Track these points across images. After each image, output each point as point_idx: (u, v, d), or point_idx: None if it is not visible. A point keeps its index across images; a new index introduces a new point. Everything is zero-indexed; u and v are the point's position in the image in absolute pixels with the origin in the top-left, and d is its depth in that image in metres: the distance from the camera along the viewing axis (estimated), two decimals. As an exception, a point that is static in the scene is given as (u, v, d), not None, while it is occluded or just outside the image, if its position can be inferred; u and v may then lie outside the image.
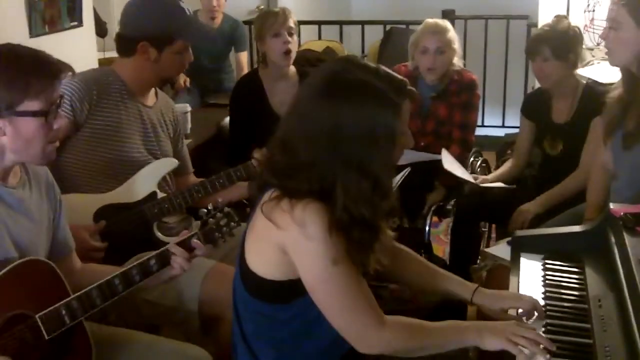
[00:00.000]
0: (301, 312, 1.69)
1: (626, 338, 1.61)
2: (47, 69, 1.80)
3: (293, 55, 3.47)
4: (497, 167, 4.17)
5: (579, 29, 3.25)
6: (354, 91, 1.60)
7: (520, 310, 1.84)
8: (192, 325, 2.38)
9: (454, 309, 2.64)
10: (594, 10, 4.27)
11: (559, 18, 3.26)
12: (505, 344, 1.63)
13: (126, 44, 2.60)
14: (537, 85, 4.95)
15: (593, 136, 3.08)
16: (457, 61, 3.57)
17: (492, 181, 3.39)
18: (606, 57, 3.90)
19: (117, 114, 2.56)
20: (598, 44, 4.10)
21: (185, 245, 2.02)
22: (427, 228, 3.42)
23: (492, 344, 1.65)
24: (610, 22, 2.47)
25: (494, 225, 3.89)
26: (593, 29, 4.17)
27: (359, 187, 1.58)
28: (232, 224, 2.13)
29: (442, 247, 4.14)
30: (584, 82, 3.29)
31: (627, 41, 2.42)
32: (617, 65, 2.54)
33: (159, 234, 2.54)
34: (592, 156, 2.97)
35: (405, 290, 2.86)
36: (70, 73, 1.84)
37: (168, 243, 2.49)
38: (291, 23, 3.48)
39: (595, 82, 3.61)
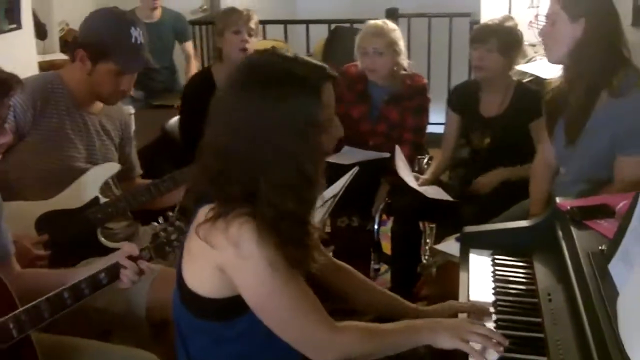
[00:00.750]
0: (248, 329, 1.64)
1: (577, 331, 1.61)
2: None
3: (248, 54, 3.46)
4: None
5: (521, 32, 3.32)
6: (271, 80, 1.55)
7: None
8: (141, 330, 2.34)
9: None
10: (538, 7, 4.32)
11: (506, 17, 3.36)
12: (457, 343, 1.62)
13: (71, 47, 2.58)
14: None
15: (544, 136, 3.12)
16: (404, 62, 3.57)
17: (430, 180, 3.42)
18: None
19: (61, 123, 2.49)
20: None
21: (135, 259, 1.96)
22: (376, 227, 3.42)
23: (445, 343, 1.64)
24: (547, 17, 2.50)
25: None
26: (537, 24, 4.22)
27: (283, 178, 1.53)
28: (182, 237, 2.08)
29: (389, 244, 4.14)
30: (515, 79, 3.36)
31: (562, 36, 2.44)
32: (554, 62, 2.56)
33: (103, 240, 2.49)
34: None
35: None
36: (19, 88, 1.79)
37: (114, 249, 2.47)
38: (252, 24, 3.53)
39: (537, 78, 3.66)
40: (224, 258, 1.54)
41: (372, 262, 3.47)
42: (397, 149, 3.32)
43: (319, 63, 1.62)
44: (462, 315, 1.82)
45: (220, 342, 1.67)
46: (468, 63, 6.06)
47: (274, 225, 1.53)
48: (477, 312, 1.81)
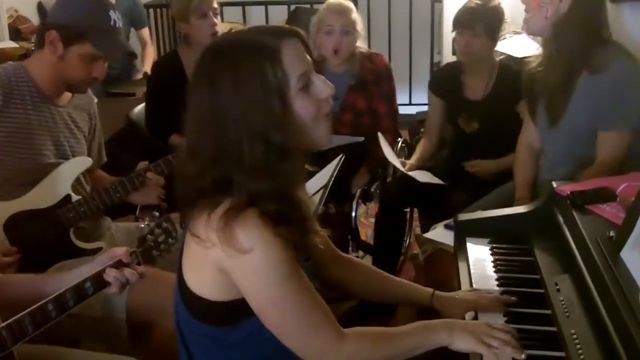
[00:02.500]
0: (253, 333, 1.53)
1: (593, 322, 1.55)
2: None
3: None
4: (411, 144, 4.15)
5: (502, 9, 3.21)
6: (227, 54, 1.44)
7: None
8: (119, 335, 2.23)
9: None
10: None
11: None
12: (476, 346, 1.53)
13: (39, 32, 2.37)
14: (445, 61, 4.98)
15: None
16: (361, 43, 3.47)
17: (417, 165, 3.33)
18: (518, 30, 3.94)
19: (26, 117, 2.32)
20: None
21: (124, 265, 1.85)
22: (353, 214, 3.34)
23: (463, 344, 1.55)
24: None
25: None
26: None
27: (251, 154, 1.40)
28: (170, 240, 1.98)
29: (364, 230, 4.09)
30: (499, 59, 3.26)
31: (545, 9, 2.39)
32: (532, 34, 2.51)
33: (76, 241, 2.35)
34: None
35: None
36: None
37: (87, 250, 2.35)
38: (215, 4, 3.37)
39: (510, 57, 3.61)
40: (221, 258, 1.43)
41: (350, 249, 3.39)
42: (381, 136, 3.22)
43: (272, 25, 1.50)
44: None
45: (224, 347, 1.57)
46: (430, 42, 6.05)
47: (259, 208, 1.41)
48: (499, 305, 1.74)
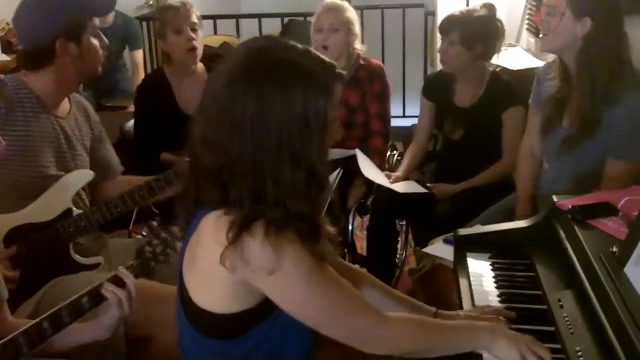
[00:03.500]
0: (260, 341, 1.53)
1: (598, 339, 1.53)
2: None
3: (199, 52, 3.29)
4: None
5: (501, 22, 3.19)
6: (280, 71, 1.40)
7: None
8: (116, 350, 2.19)
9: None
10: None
11: (486, 6, 3.18)
12: (517, 356, 1.53)
13: (40, 53, 2.29)
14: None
15: (513, 127, 3.07)
16: (360, 47, 3.49)
17: (404, 176, 3.33)
18: (513, 43, 3.94)
19: (28, 130, 2.30)
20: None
21: (118, 281, 1.81)
22: (350, 227, 3.32)
23: (503, 351, 1.54)
24: (547, 8, 2.44)
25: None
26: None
27: (292, 179, 1.40)
28: (169, 250, 1.95)
29: (359, 243, 4.07)
30: (491, 69, 3.25)
31: (561, 30, 2.39)
32: (546, 51, 2.50)
33: (76, 257, 2.32)
34: (515, 145, 2.96)
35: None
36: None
37: (86, 265, 2.31)
38: (194, 18, 3.29)
39: (504, 69, 3.60)
40: (246, 276, 1.42)
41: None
42: (358, 152, 3.21)
43: (328, 59, 1.48)
44: None
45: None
46: (423, 54, 6.05)
47: (286, 225, 1.41)
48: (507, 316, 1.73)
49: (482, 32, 3.10)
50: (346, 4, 3.48)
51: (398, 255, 3.61)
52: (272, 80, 1.40)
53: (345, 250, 3.36)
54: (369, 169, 3.21)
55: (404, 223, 3.66)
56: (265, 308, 1.50)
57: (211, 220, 1.45)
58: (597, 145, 2.40)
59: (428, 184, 3.22)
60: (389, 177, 3.29)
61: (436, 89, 3.37)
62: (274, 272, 1.40)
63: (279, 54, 1.43)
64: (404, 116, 6.28)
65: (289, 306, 1.48)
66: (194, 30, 3.26)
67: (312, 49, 1.48)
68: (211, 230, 1.44)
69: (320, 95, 1.42)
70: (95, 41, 2.34)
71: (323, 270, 1.47)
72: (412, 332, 1.55)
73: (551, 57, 2.63)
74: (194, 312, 1.54)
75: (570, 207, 1.93)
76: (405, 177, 3.33)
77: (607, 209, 1.92)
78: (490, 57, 3.19)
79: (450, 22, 3.15)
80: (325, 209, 2.34)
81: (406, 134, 4.78)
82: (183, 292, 1.56)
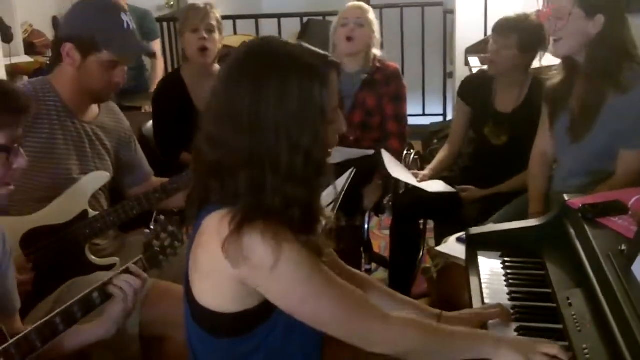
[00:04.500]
0: (263, 339, 1.55)
1: (605, 337, 1.54)
2: (14, 103, 1.67)
3: (211, 53, 3.36)
4: (424, 156, 4.13)
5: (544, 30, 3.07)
6: (276, 63, 1.47)
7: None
8: (130, 350, 2.22)
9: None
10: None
11: (530, 14, 3.19)
12: None
13: (55, 47, 2.38)
14: (457, 72, 4.98)
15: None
16: (377, 51, 3.53)
17: (432, 175, 3.32)
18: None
19: (52, 134, 2.34)
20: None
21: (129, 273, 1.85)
22: (366, 226, 3.34)
23: (508, 358, 1.53)
24: (556, 12, 2.44)
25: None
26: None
27: (290, 162, 1.44)
28: (177, 243, 1.98)
29: (377, 242, 4.08)
30: (532, 73, 3.19)
31: (575, 31, 2.40)
32: (561, 56, 2.51)
33: (92, 257, 2.36)
34: None
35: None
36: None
37: (102, 266, 2.35)
38: (212, 20, 3.36)
39: (543, 68, 3.57)
40: (243, 273, 1.45)
41: (363, 262, 3.39)
42: (384, 152, 3.23)
43: (321, 51, 1.53)
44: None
45: (237, 358, 1.58)
46: (442, 53, 6.05)
47: (284, 214, 1.45)
48: (507, 318, 1.74)
49: (537, 39, 3.05)
50: (370, 8, 3.55)
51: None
52: (267, 71, 1.45)
53: (362, 249, 3.39)
54: (395, 168, 3.23)
55: (422, 222, 3.66)
56: (267, 308, 1.52)
57: (214, 220, 1.48)
58: (607, 135, 2.40)
59: (456, 186, 3.20)
60: (416, 175, 3.31)
61: (474, 92, 3.31)
62: (273, 269, 1.42)
63: (274, 48, 1.50)
64: (423, 114, 6.28)
65: (288, 305, 1.49)
66: (209, 31, 3.34)
67: (305, 44, 1.54)
68: (214, 229, 1.47)
69: (315, 83, 1.46)
70: (103, 70, 2.34)
71: (322, 270, 1.49)
72: (414, 334, 1.55)
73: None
74: (198, 312, 1.56)
75: (580, 205, 1.93)
76: (433, 177, 3.33)
77: (617, 208, 1.92)
78: (532, 63, 3.15)
79: (510, 25, 3.09)
80: (337, 205, 2.39)
81: (425, 133, 4.80)
82: (188, 292, 1.59)
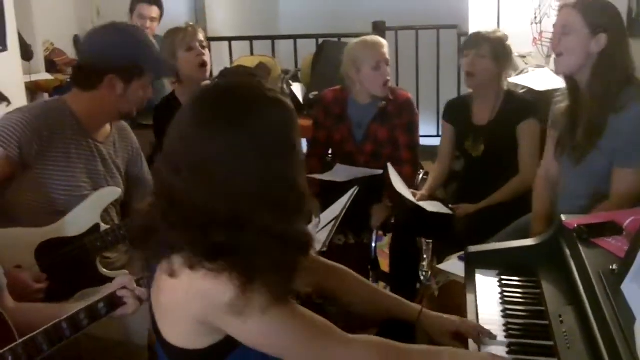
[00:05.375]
0: None
1: (592, 354, 1.58)
2: None
3: (208, 68, 3.45)
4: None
5: (509, 44, 3.36)
6: (246, 101, 1.46)
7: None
8: (139, 357, 2.29)
9: (402, 326, 2.59)
10: (541, 22, 4.31)
11: (496, 30, 3.43)
12: None
13: (90, 76, 2.43)
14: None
15: (527, 140, 3.19)
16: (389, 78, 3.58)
17: (428, 195, 3.40)
18: (540, 65, 3.97)
19: (67, 153, 2.43)
20: (549, 56, 4.15)
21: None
22: (373, 244, 3.38)
23: None
24: (563, 27, 2.48)
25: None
26: (542, 42, 4.21)
27: (275, 201, 1.43)
28: None
29: (386, 261, 4.11)
30: (505, 88, 3.35)
31: (577, 48, 2.44)
32: (564, 72, 2.55)
33: (103, 270, 2.43)
34: (531, 159, 3.11)
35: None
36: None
37: (112, 278, 2.40)
38: (201, 37, 3.48)
39: (529, 89, 3.65)
40: (205, 313, 1.44)
41: (370, 280, 3.42)
42: (389, 167, 3.29)
43: (276, 95, 1.52)
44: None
45: None
46: (457, 74, 6.09)
47: (264, 252, 1.43)
48: (484, 334, 1.78)
49: (508, 49, 3.31)
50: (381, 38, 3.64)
51: (424, 273, 3.65)
52: (238, 121, 1.43)
53: (369, 267, 3.43)
54: (398, 183, 3.29)
55: (431, 241, 3.71)
56: (231, 342, 1.50)
57: (171, 264, 1.46)
58: (604, 155, 2.44)
59: (450, 205, 3.29)
60: (414, 195, 3.36)
61: (455, 111, 3.49)
62: (236, 315, 1.41)
63: (236, 93, 1.49)
64: (437, 135, 6.31)
65: (250, 341, 1.48)
66: (203, 47, 3.44)
67: (263, 83, 1.54)
68: (170, 274, 1.45)
69: (289, 124, 1.48)
70: (141, 92, 2.47)
71: (284, 307, 1.47)
72: (376, 353, 1.57)
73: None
74: (169, 349, 1.55)
75: (576, 226, 1.97)
76: (430, 196, 3.40)
77: (612, 228, 1.95)
78: (507, 74, 3.36)
79: (480, 37, 3.31)
80: (338, 223, 2.43)
81: (436, 153, 4.84)
82: (155, 327, 1.59)
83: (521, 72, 4.02)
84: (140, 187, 2.72)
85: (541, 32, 4.26)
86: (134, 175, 2.71)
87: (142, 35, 2.52)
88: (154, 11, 4.93)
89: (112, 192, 2.54)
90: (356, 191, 2.57)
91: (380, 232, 3.68)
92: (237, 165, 1.41)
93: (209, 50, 3.51)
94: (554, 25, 2.56)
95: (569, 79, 2.55)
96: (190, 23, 3.53)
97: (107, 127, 2.60)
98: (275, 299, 1.42)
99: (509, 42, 3.33)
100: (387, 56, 3.50)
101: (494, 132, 3.27)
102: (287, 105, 1.51)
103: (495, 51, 3.24)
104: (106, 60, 2.42)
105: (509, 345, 1.74)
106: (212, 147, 1.42)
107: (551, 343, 1.72)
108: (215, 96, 1.51)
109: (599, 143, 2.45)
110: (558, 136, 2.63)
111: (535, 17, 4.34)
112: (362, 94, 3.52)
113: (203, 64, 3.40)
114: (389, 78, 3.48)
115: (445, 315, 1.87)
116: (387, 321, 2.00)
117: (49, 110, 2.44)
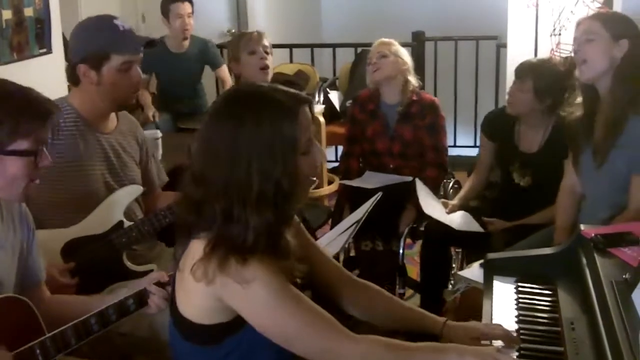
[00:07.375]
0: (231, 350, 1.68)
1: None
2: (38, 110, 1.82)
3: (270, 72, 3.51)
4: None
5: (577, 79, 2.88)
6: (251, 105, 1.63)
7: (498, 343, 1.80)
8: (165, 355, 2.35)
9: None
10: (560, 34, 4.30)
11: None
12: None
13: (70, 72, 2.55)
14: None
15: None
16: (414, 80, 3.63)
17: (459, 205, 3.39)
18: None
19: (75, 147, 2.51)
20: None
21: (163, 285, 1.98)
22: (401, 251, 3.42)
23: None
24: (586, 34, 2.51)
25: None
26: (559, 52, 4.20)
27: (259, 193, 1.58)
28: None
29: (416, 269, 4.14)
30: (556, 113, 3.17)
31: (600, 55, 2.47)
32: (587, 80, 2.56)
33: (129, 264, 2.51)
34: None
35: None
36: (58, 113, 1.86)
37: (140, 272, 2.49)
38: (266, 42, 3.55)
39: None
40: (219, 289, 1.59)
41: (397, 286, 3.46)
42: (417, 182, 3.33)
43: (293, 90, 1.69)
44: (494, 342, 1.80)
45: None
46: (495, 86, 6.09)
47: (253, 240, 1.58)
48: (506, 340, 1.80)
49: (555, 86, 3.09)
50: (393, 40, 3.71)
51: (453, 282, 3.67)
52: (243, 111, 1.62)
53: (397, 274, 3.46)
54: (426, 201, 3.29)
55: (460, 250, 3.72)
56: (238, 323, 1.65)
57: (195, 245, 1.64)
58: (624, 156, 2.46)
59: (484, 217, 3.25)
60: (445, 205, 3.38)
61: (497, 129, 3.36)
62: (244, 289, 1.56)
63: (248, 92, 1.70)
64: (474, 146, 6.31)
65: (259, 324, 1.62)
66: (266, 52, 3.52)
67: (280, 85, 1.71)
68: (193, 254, 1.62)
69: (285, 119, 1.61)
70: (120, 75, 2.50)
71: (292, 291, 1.62)
72: (382, 352, 1.63)
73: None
74: (179, 319, 1.72)
75: (593, 235, 1.99)
76: (461, 207, 3.39)
77: (628, 238, 1.98)
78: (559, 109, 3.09)
79: (525, 69, 3.14)
80: (358, 227, 2.47)
81: (472, 164, 4.85)
82: (173, 304, 1.75)
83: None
84: (147, 184, 2.77)
85: (558, 43, 4.25)
86: (144, 171, 2.77)
87: (101, 21, 2.56)
88: (187, 7, 5.03)
89: (134, 190, 2.62)
90: (379, 197, 2.62)
91: (409, 240, 3.71)
92: (234, 152, 1.59)
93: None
94: (575, 37, 2.58)
95: (588, 88, 2.57)
96: (258, 30, 3.63)
97: (113, 119, 2.66)
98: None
99: (569, 77, 3.04)
100: (381, 50, 3.62)
101: (542, 164, 3.15)
102: (288, 107, 1.63)
103: (537, 87, 3.06)
104: (74, 53, 2.54)
105: (519, 349, 1.77)
106: (216, 135, 1.63)
107: (561, 349, 1.74)
108: (229, 94, 1.74)
109: (618, 141, 2.46)
110: (573, 145, 2.64)
111: (554, 29, 4.33)
112: (387, 95, 3.59)
113: (264, 67, 3.49)
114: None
115: (468, 323, 1.89)
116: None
117: (58, 110, 2.53)
